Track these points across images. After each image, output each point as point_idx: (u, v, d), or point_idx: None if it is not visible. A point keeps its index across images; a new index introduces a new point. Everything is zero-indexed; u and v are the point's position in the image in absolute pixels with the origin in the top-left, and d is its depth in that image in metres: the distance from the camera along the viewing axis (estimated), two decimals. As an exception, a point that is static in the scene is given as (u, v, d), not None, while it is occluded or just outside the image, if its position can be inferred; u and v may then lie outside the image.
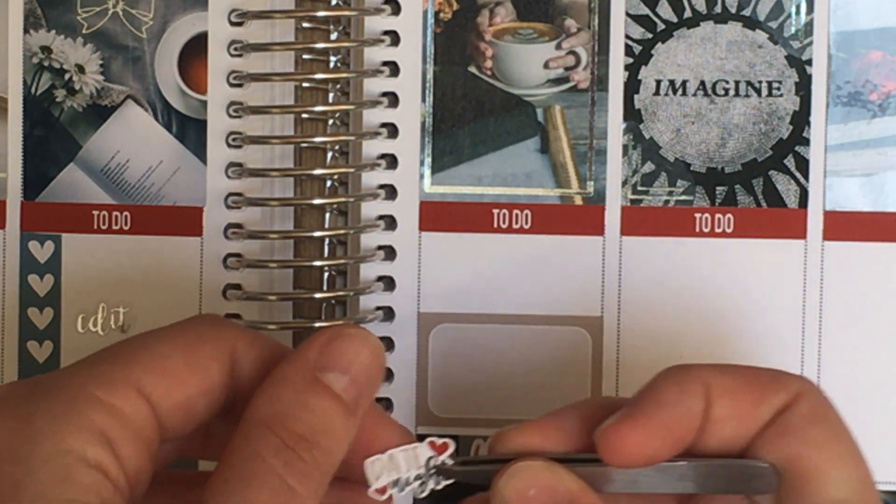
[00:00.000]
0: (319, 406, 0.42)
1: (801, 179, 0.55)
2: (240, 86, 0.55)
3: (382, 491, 0.46)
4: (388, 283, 0.55)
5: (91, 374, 0.42)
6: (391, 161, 0.55)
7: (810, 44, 0.54)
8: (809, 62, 0.54)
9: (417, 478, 0.47)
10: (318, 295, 0.55)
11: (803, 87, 0.55)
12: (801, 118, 0.55)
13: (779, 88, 0.55)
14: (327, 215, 0.56)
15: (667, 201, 0.55)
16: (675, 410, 0.45)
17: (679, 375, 0.45)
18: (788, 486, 0.44)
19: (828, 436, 0.45)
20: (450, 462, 0.47)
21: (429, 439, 0.47)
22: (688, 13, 0.55)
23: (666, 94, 0.55)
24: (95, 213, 0.56)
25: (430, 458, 0.47)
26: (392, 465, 0.46)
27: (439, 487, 0.47)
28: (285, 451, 0.41)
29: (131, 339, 0.43)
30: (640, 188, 0.55)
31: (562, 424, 0.46)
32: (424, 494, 0.47)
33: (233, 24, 0.55)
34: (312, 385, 0.42)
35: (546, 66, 0.55)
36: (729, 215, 0.55)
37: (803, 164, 0.55)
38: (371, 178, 0.55)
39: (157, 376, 0.42)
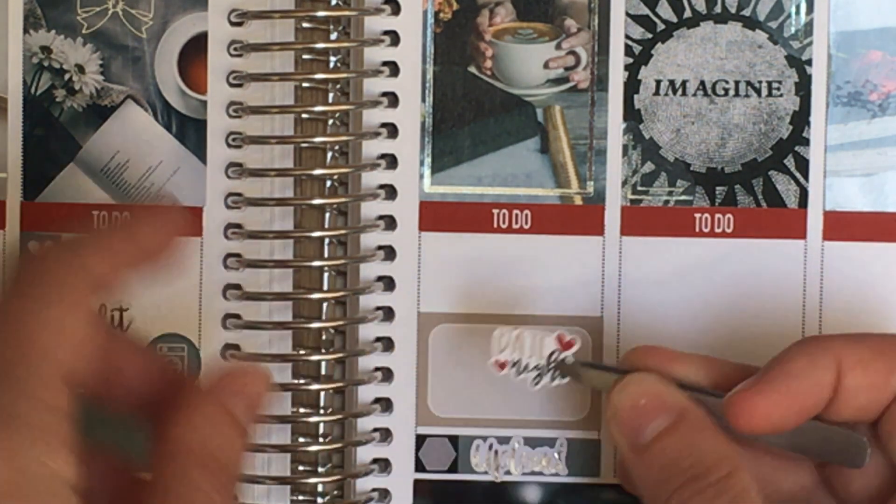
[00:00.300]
0: (234, 435, 0.45)
1: (801, 179, 0.55)
2: (240, 86, 0.56)
3: (502, 366, 0.50)
4: (388, 283, 0.55)
5: (34, 379, 0.41)
6: (391, 161, 0.55)
7: (810, 44, 0.54)
8: (809, 62, 0.54)
9: (536, 367, 0.50)
10: (317, 295, 0.55)
11: (803, 87, 0.55)
12: (801, 118, 0.55)
13: (779, 88, 0.55)
14: (327, 215, 0.56)
15: (667, 201, 0.55)
16: (804, 382, 0.46)
17: (810, 347, 0.47)
18: None
19: None
20: (571, 360, 0.49)
21: (558, 332, 0.49)
22: (688, 13, 0.55)
23: (666, 94, 0.55)
24: (95, 213, 0.56)
25: (553, 352, 0.49)
26: (518, 343, 0.49)
27: (553, 384, 0.50)
28: (216, 478, 0.43)
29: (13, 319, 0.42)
30: (639, 188, 0.55)
31: (692, 361, 0.49)
32: (536, 388, 0.50)
33: (233, 24, 0.55)
34: (227, 418, 0.45)
35: (546, 66, 0.55)
36: (729, 215, 0.55)
37: (803, 164, 0.55)
38: (371, 178, 0.55)
39: (76, 356, 0.42)
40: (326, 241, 0.56)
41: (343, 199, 0.55)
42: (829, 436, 0.47)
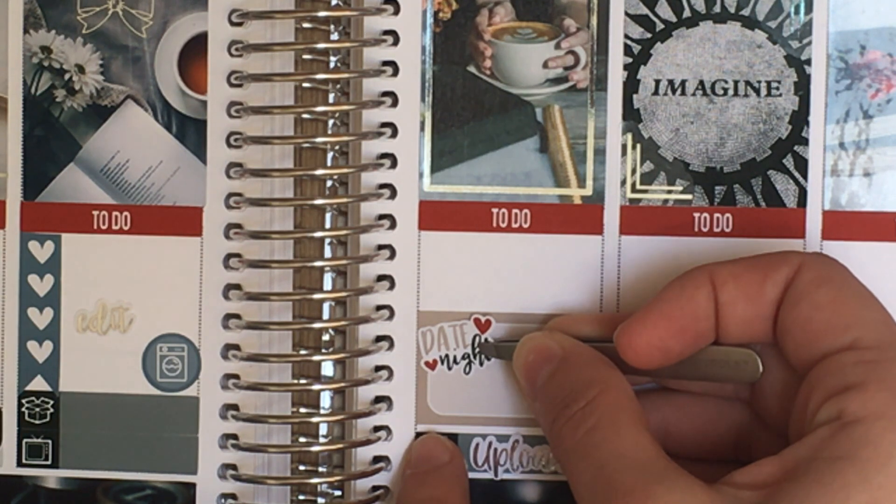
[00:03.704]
0: None
1: (800, 179, 0.55)
2: (240, 86, 0.56)
3: (432, 366, 0.54)
4: (388, 282, 0.56)
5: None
6: (391, 161, 0.55)
7: (809, 43, 0.55)
8: (808, 62, 0.55)
9: (464, 357, 0.54)
10: (319, 295, 0.55)
11: (802, 87, 0.55)
12: (800, 118, 0.55)
13: (777, 88, 0.55)
14: (328, 215, 0.56)
15: (665, 201, 0.55)
16: (677, 301, 0.49)
17: (684, 274, 0.50)
18: (805, 350, 0.47)
19: (835, 292, 0.47)
20: (491, 340, 0.54)
21: (474, 316, 0.54)
22: (687, 13, 0.55)
23: (665, 94, 0.55)
24: (95, 213, 0.56)
25: (475, 336, 0.54)
26: (441, 338, 0.54)
27: (483, 367, 0.54)
28: None
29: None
30: (638, 187, 0.55)
31: (589, 320, 0.53)
32: (468, 376, 0.54)
33: (233, 24, 0.55)
34: None
35: (545, 65, 0.55)
36: (728, 215, 0.55)
37: (802, 164, 0.55)
38: (371, 178, 0.55)
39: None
40: (327, 240, 0.56)
41: (344, 199, 0.55)
42: (719, 357, 0.50)
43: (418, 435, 0.56)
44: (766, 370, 0.50)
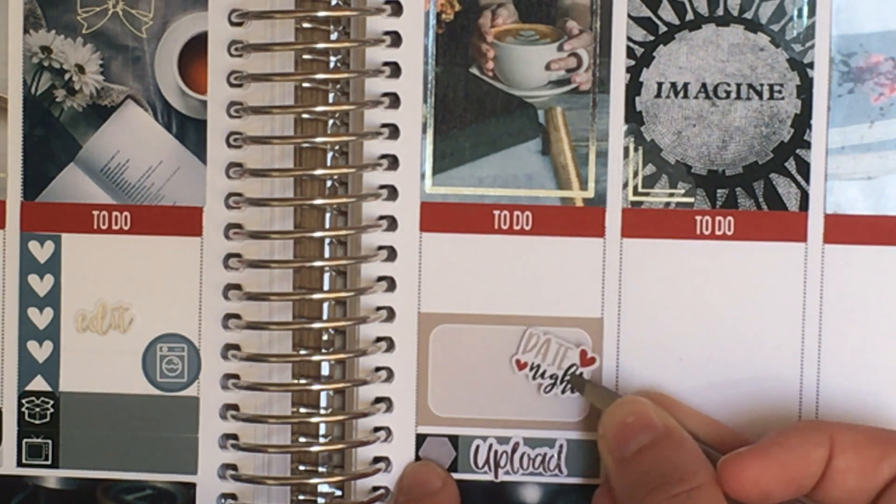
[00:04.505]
0: None
1: (802, 182, 0.55)
2: (240, 86, 0.55)
3: (521, 367, 0.54)
4: (389, 283, 0.55)
5: None
6: (392, 161, 0.55)
7: (812, 47, 0.54)
8: (811, 65, 0.54)
9: (552, 376, 0.54)
10: (317, 295, 0.55)
11: (805, 91, 0.55)
12: (803, 121, 0.55)
13: (780, 91, 0.55)
14: (328, 215, 0.56)
15: (667, 203, 0.55)
16: (794, 453, 0.48)
17: (805, 425, 0.50)
18: None
19: None
20: (586, 378, 0.54)
21: (581, 347, 0.54)
22: (690, 15, 0.55)
23: (667, 97, 0.55)
24: (95, 213, 0.56)
25: (572, 366, 0.54)
26: (544, 348, 0.54)
27: (562, 395, 0.54)
28: None
29: None
30: (640, 190, 0.55)
31: (695, 416, 0.53)
32: (546, 395, 0.54)
33: (233, 24, 0.55)
34: None
35: (547, 67, 0.55)
36: (729, 218, 0.55)
37: (804, 167, 0.55)
38: (372, 179, 0.55)
39: None
40: (327, 241, 0.56)
41: (344, 200, 0.55)
42: None
43: (419, 436, 0.56)
44: None
